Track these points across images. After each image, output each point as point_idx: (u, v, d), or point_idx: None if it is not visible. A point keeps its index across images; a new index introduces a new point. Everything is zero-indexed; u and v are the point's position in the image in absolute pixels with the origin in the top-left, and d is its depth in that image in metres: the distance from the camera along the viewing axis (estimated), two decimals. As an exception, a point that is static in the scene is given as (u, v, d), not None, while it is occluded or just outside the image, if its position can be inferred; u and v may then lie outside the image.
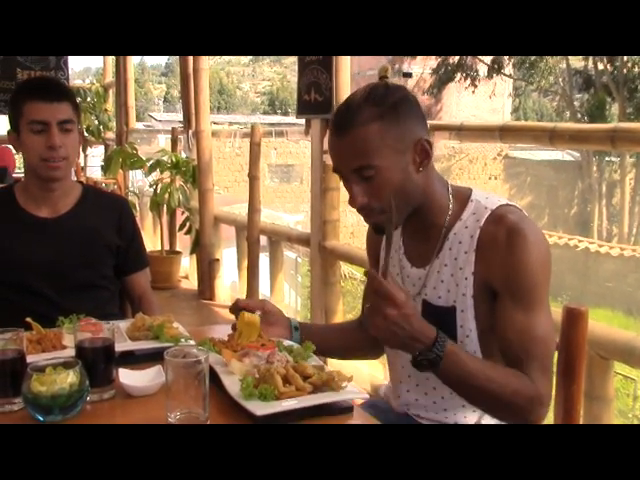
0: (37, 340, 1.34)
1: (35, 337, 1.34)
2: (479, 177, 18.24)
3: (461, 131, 2.58)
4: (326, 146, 3.58)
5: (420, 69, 21.08)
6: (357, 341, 1.58)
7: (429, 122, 2.80)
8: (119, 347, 1.28)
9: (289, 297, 6.41)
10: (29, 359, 1.20)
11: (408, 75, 22.06)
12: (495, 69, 19.19)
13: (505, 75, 20.08)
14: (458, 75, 19.80)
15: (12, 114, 1.73)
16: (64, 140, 1.70)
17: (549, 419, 1.42)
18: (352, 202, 1.27)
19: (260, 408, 1.06)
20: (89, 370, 1.14)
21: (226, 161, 16.26)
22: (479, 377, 1.16)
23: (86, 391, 1.12)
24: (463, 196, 1.32)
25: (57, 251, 1.74)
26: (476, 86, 19.98)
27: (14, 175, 5.58)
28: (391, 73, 1.40)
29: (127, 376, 1.22)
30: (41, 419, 1.09)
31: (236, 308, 1.40)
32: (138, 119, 8.30)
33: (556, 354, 1.34)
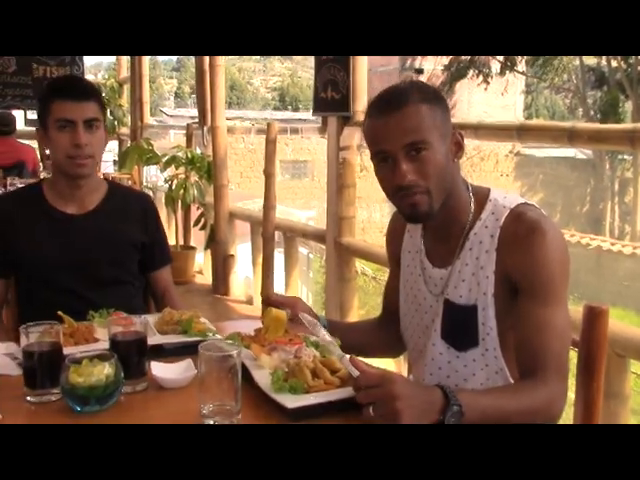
0: (70, 333, 1.37)
1: (68, 330, 1.38)
2: (490, 174, 18.19)
3: (478, 130, 2.60)
4: (342, 143, 3.59)
5: (432, 65, 21.02)
6: (379, 340, 1.61)
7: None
8: (150, 341, 1.32)
9: (301, 293, 6.44)
10: (64, 352, 1.24)
11: (420, 71, 22.02)
12: (508, 66, 19.10)
13: (518, 72, 19.98)
14: (470, 72, 19.72)
15: (41, 112, 1.77)
16: (90, 138, 1.73)
17: (569, 416, 1.45)
18: (400, 179, 1.25)
19: (290, 401, 1.09)
20: (123, 362, 1.18)
21: (237, 157, 16.31)
22: (497, 405, 1.15)
23: (121, 383, 1.16)
24: (482, 196, 1.35)
25: (84, 247, 1.78)
26: (488, 83, 19.89)
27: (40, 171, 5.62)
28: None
29: (159, 369, 1.26)
30: (78, 409, 1.13)
31: (267, 303, 1.43)
32: (150, 114, 8.36)
33: (576, 352, 1.36)
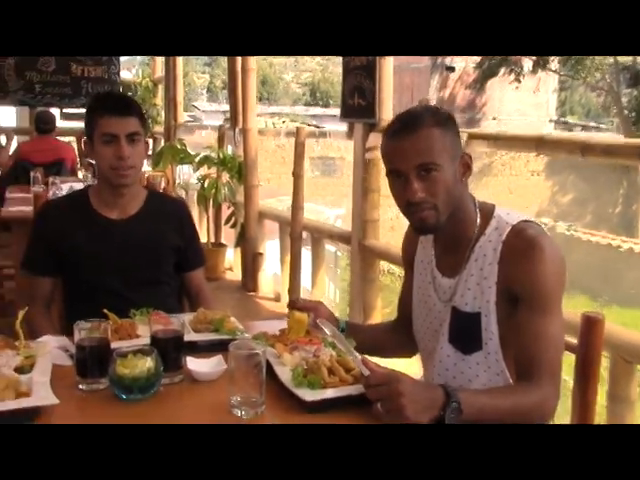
0: (115, 330, 1.54)
1: (113, 327, 1.54)
2: (521, 173, 18.09)
3: (497, 140, 2.70)
4: (368, 143, 3.70)
5: (463, 63, 20.94)
6: (393, 341, 1.75)
7: (468, 130, 2.93)
8: (185, 338, 1.47)
9: (328, 290, 6.56)
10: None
11: (451, 69, 21.94)
12: (540, 64, 18.94)
13: (551, 70, 19.81)
14: (502, 70, 19.61)
15: (87, 126, 1.93)
16: (131, 151, 1.89)
17: (566, 420, 1.57)
18: (411, 195, 1.39)
19: (309, 395, 1.24)
20: (162, 357, 1.33)
21: (267, 154, 16.49)
22: (494, 404, 1.29)
23: (161, 375, 1.32)
24: (487, 212, 1.47)
25: (125, 250, 1.94)
26: (520, 81, 19.76)
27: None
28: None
29: (193, 363, 1.41)
30: (123, 397, 1.29)
31: (292, 306, 1.58)
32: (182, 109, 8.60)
33: (573, 358, 1.48)
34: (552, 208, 17.78)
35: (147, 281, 1.97)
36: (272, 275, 5.38)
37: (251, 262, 5.19)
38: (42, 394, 1.22)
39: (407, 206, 1.41)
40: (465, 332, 1.48)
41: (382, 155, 1.49)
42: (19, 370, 1.31)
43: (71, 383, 1.35)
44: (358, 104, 3.63)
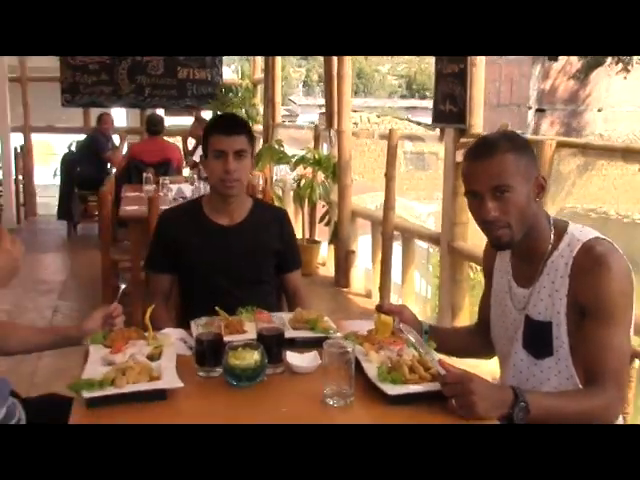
0: (225, 325, 1.77)
1: (223, 323, 1.78)
2: (626, 170, 17.30)
3: (586, 149, 2.76)
4: (458, 153, 3.81)
5: (566, 53, 20.19)
6: (473, 344, 1.90)
7: (557, 138, 2.99)
8: (285, 334, 1.69)
9: (420, 286, 6.66)
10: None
11: (554, 59, 21.24)
12: (649, 54, 18.00)
13: (661, 59, 18.81)
14: (609, 59, 18.82)
15: (204, 143, 2.20)
16: (237, 165, 2.14)
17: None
18: (485, 214, 1.55)
19: (391, 389, 1.42)
20: (267, 351, 1.55)
21: (362, 149, 16.69)
22: (560, 406, 1.43)
23: (265, 366, 1.54)
24: (561, 228, 1.60)
25: (233, 252, 2.20)
26: (629, 70, 18.89)
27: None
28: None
29: (292, 357, 1.63)
30: (234, 384, 1.52)
31: (379, 309, 1.76)
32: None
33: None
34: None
35: (250, 280, 2.22)
36: (364, 271, 5.57)
37: (344, 259, 5.41)
38: (170, 378, 1.47)
39: (483, 224, 1.57)
40: (537, 339, 1.62)
41: (462, 176, 1.65)
42: (150, 358, 1.57)
43: (191, 370, 1.59)
44: (449, 110, 3.76)
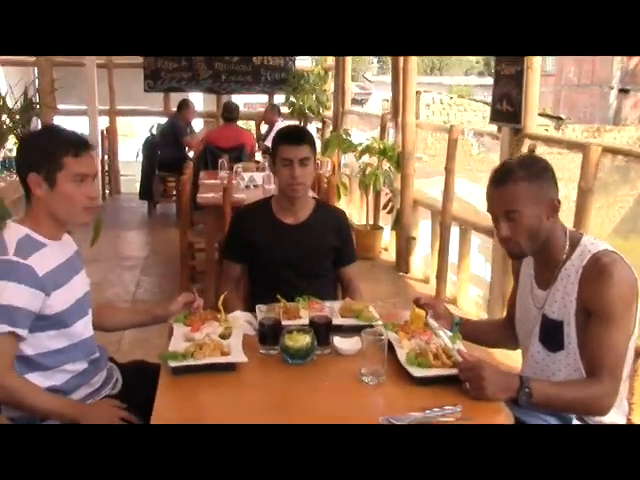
0: (284, 311, 2.10)
1: (283, 309, 2.11)
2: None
3: (629, 155, 2.92)
4: (512, 150, 4.00)
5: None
6: (499, 336, 2.17)
7: (603, 144, 3.14)
8: (334, 321, 2.00)
9: (484, 269, 6.72)
10: (282, 323, 1.97)
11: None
12: None
13: None
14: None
15: (272, 153, 2.53)
16: (302, 171, 2.45)
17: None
18: (499, 233, 1.84)
19: (417, 372, 1.71)
20: (317, 335, 1.87)
21: (430, 132, 16.63)
22: (560, 393, 1.69)
23: (315, 347, 1.86)
24: (576, 240, 1.84)
25: (297, 248, 2.51)
26: None
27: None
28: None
29: (338, 341, 1.94)
30: (289, 361, 1.84)
31: (416, 303, 2.05)
32: (352, 80, 9.11)
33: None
34: None
35: (310, 273, 2.53)
36: (423, 257, 5.80)
37: (404, 245, 5.67)
38: (237, 354, 1.81)
39: (499, 240, 1.84)
40: (551, 335, 1.87)
41: (485, 197, 1.90)
42: (221, 336, 1.92)
43: (254, 348, 1.93)
44: (506, 110, 3.94)
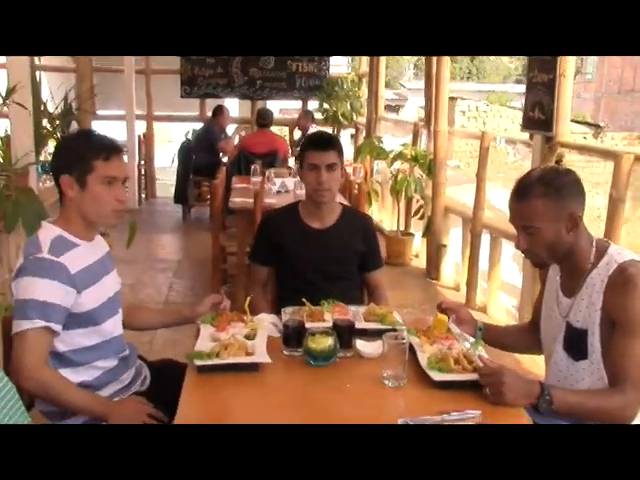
0: (309, 314, 2.13)
1: (308, 312, 2.14)
2: None
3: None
4: (544, 158, 3.98)
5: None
6: (524, 342, 2.16)
7: (637, 152, 3.10)
8: (357, 325, 2.03)
9: (517, 277, 6.65)
10: (306, 326, 2.00)
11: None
12: None
13: None
14: None
15: (299, 157, 2.56)
16: (328, 177, 2.48)
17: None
18: (518, 246, 1.86)
19: (437, 376, 1.73)
20: (340, 338, 1.90)
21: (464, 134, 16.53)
22: (582, 402, 1.68)
23: (337, 350, 1.88)
24: (602, 249, 1.83)
25: (323, 252, 2.54)
26: None
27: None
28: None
29: (360, 344, 1.96)
30: (312, 363, 1.88)
31: (439, 308, 2.06)
32: (387, 86, 9.13)
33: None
34: None
35: (336, 276, 2.57)
36: (453, 264, 5.78)
37: (435, 252, 5.66)
38: (261, 355, 1.85)
39: (522, 251, 1.86)
40: (575, 343, 1.86)
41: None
42: (247, 337, 1.96)
43: (278, 349, 1.96)
44: (538, 118, 3.92)
